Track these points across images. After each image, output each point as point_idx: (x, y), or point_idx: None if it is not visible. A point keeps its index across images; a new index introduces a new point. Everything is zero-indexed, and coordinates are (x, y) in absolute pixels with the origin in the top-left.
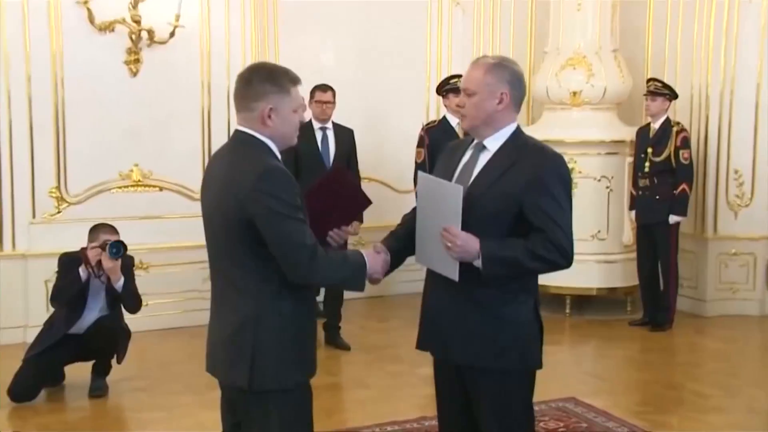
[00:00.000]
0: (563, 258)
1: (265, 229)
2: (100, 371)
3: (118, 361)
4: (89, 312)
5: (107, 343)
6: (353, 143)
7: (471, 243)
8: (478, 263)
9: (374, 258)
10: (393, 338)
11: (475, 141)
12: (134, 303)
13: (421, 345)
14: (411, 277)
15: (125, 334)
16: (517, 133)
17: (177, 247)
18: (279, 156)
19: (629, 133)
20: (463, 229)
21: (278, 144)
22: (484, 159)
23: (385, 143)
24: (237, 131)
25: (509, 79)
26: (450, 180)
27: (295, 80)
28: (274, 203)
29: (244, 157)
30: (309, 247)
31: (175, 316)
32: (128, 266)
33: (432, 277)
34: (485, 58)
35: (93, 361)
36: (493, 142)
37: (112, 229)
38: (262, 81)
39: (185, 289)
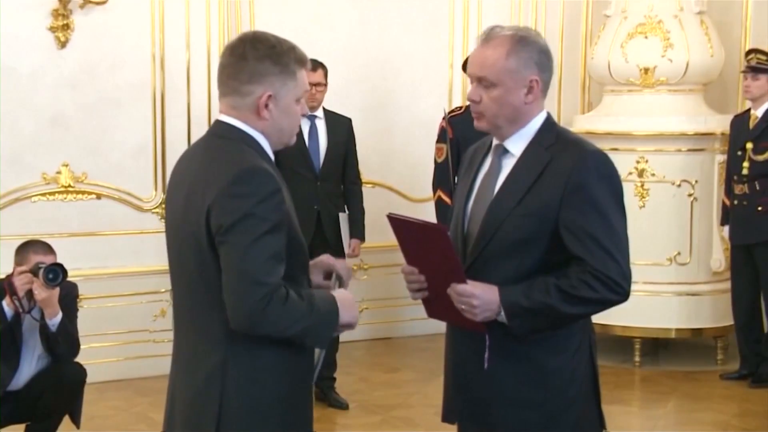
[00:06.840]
0: (613, 292)
1: (222, 248)
2: None
3: (77, 423)
4: (26, 361)
5: (58, 402)
6: (351, 137)
7: (489, 296)
8: (502, 318)
9: (349, 301)
10: (404, 395)
11: (495, 143)
12: (68, 348)
13: (448, 417)
14: (425, 313)
15: (80, 382)
16: (546, 125)
17: (120, 273)
18: (272, 157)
19: (721, 124)
20: (486, 261)
21: (273, 142)
22: (507, 166)
23: (392, 135)
24: (218, 122)
25: (537, 60)
26: (469, 199)
27: (302, 60)
28: (243, 216)
29: (221, 155)
30: (267, 286)
31: (116, 364)
32: (71, 298)
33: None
34: (500, 31)
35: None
36: (517, 143)
37: (47, 248)
38: (262, 57)
39: (130, 329)
